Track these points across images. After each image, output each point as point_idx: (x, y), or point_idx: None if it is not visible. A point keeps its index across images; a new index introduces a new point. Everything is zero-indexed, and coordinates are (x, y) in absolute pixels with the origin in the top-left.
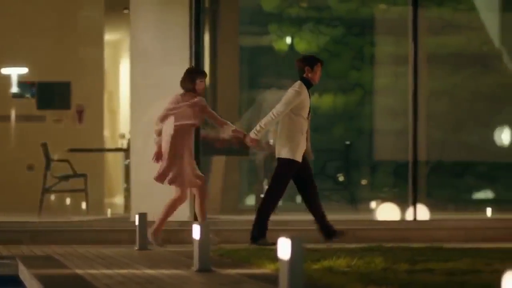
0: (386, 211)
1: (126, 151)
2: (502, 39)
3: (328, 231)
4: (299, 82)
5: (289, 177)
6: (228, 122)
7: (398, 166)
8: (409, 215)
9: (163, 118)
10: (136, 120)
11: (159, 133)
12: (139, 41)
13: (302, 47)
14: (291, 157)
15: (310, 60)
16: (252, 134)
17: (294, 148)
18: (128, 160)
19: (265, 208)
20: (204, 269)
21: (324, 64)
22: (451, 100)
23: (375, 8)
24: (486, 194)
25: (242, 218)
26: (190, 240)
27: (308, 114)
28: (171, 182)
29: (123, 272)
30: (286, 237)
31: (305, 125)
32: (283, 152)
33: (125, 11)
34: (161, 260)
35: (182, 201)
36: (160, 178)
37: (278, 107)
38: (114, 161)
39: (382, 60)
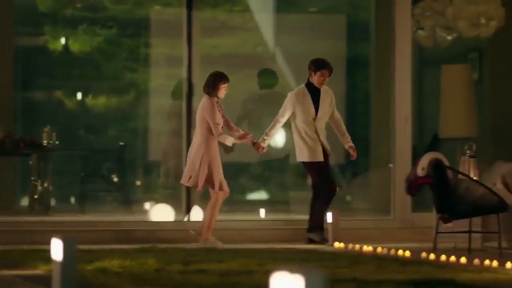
0: (160, 212)
1: None
2: (276, 40)
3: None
4: (302, 85)
5: (315, 175)
6: (239, 129)
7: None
8: (182, 216)
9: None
10: None
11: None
12: None
13: (77, 47)
14: (303, 160)
15: (314, 65)
16: (261, 142)
17: (303, 151)
18: None
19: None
20: None
21: (98, 65)
22: (226, 100)
23: (150, 9)
24: (259, 194)
25: (17, 219)
26: None
27: (316, 115)
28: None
29: None
30: (59, 237)
31: (310, 127)
32: (297, 156)
33: None
34: None
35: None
36: (205, 183)
37: (279, 113)
38: None
39: (157, 61)
